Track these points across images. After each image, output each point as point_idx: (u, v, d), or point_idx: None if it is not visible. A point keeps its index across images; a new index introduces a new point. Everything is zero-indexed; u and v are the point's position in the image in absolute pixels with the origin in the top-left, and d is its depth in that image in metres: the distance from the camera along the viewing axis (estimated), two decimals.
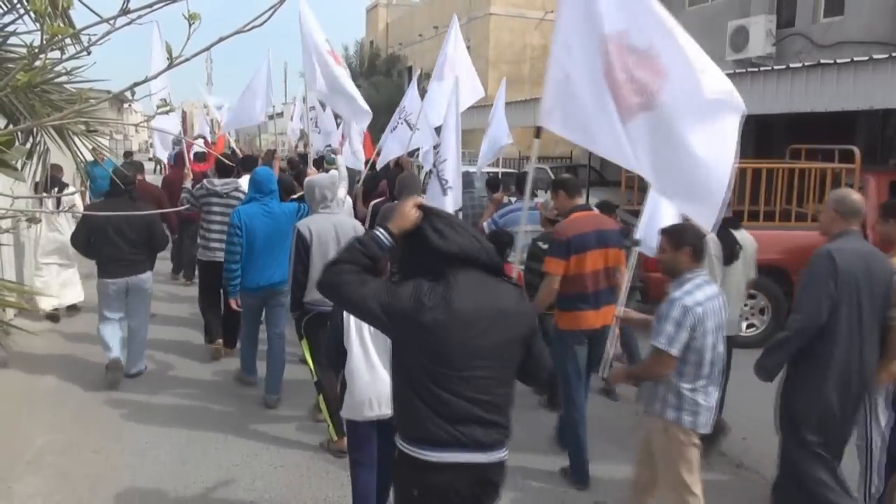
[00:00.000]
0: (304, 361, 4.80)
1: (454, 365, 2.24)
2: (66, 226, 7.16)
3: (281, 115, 30.49)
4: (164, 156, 9.69)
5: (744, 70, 9.79)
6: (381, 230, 2.36)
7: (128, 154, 15.68)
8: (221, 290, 6.03)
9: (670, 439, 3.21)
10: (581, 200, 4.50)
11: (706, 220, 3.17)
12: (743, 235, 4.71)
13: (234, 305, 5.46)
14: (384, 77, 28.17)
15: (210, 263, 6.17)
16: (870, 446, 3.66)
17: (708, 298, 3.16)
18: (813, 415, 3.43)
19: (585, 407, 4.36)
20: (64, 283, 7.50)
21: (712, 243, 4.30)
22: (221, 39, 1.74)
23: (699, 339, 3.09)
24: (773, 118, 10.54)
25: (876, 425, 3.63)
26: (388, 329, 2.37)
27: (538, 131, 3.74)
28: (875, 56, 7.79)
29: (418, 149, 8.48)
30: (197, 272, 7.14)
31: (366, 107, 7.33)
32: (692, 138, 3.08)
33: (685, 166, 3.13)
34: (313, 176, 5.37)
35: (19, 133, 2.98)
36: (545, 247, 4.68)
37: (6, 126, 3.02)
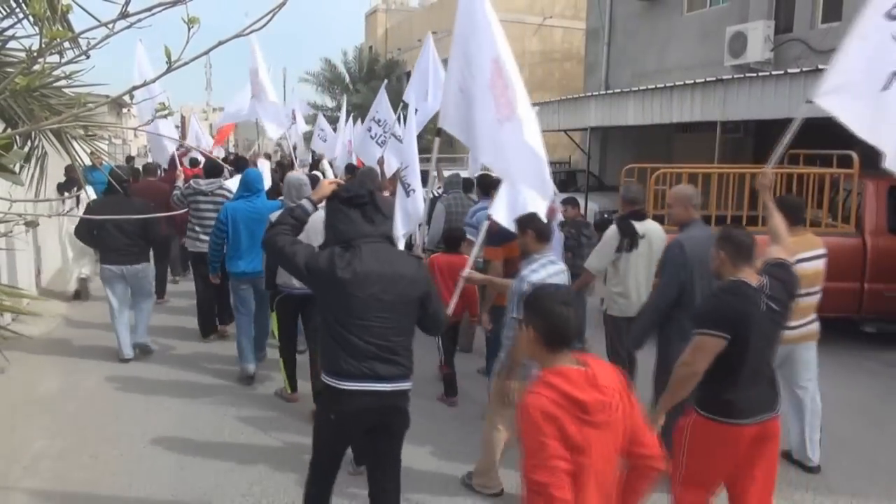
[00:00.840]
0: (274, 335, 5.55)
1: (357, 314, 2.88)
2: None
3: None
4: (162, 158, 9.82)
5: (742, 75, 9.81)
6: (305, 200, 3.11)
7: (129, 159, 15.76)
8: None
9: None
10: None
11: (542, 206, 3.95)
12: (650, 227, 4.97)
13: (213, 280, 6.36)
14: (383, 82, 28.25)
15: (200, 254, 6.92)
16: None
17: (550, 275, 3.75)
18: None
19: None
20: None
21: (612, 233, 4.96)
22: (221, 43, 1.73)
23: None
24: (771, 123, 10.56)
25: None
26: (309, 283, 3.06)
27: (439, 132, 4.41)
28: None
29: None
30: (190, 264, 7.90)
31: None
32: (534, 145, 3.93)
33: (531, 166, 3.95)
34: (289, 174, 6.00)
35: (18, 137, 2.98)
36: None
37: (4, 130, 3.02)
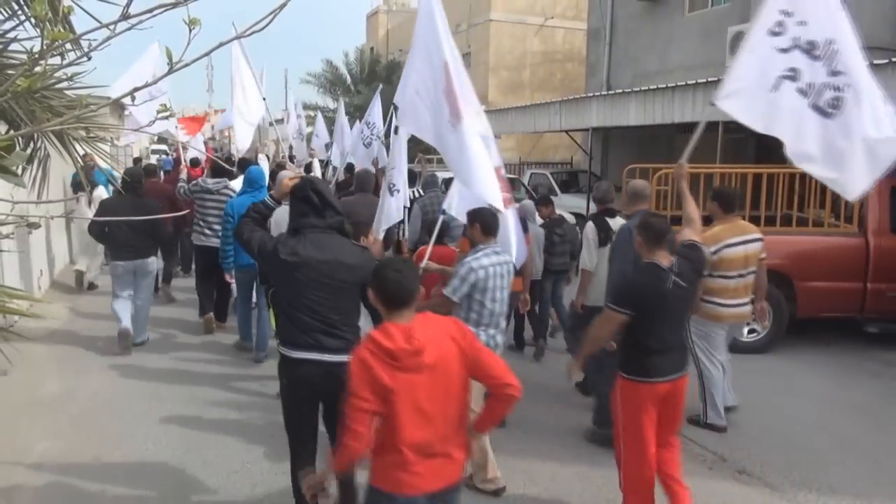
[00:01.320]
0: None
1: (300, 293, 3.30)
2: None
3: (281, 121, 30.56)
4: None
5: None
6: (268, 196, 3.67)
7: (136, 160, 15.92)
8: (213, 271, 7.17)
9: None
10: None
11: (495, 200, 4.16)
12: (619, 223, 5.22)
13: (228, 279, 6.76)
14: (384, 83, 28.24)
15: (204, 248, 7.44)
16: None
17: (492, 264, 4.03)
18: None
19: None
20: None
21: (590, 229, 5.35)
22: (222, 44, 1.74)
23: (480, 293, 3.97)
24: None
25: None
26: (262, 264, 3.80)
27: (397, 129, 4.85)
28: (875, 61, 7.79)
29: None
30: (193, 256, 8.37)
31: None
32: (476, 153, 4.16)
33: (480, 164, 4.17)
34: (279, 172, 6.60)
35: (20, 138, 2.98)
36: None
37: (7, 132, 3.02)
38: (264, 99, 9.73)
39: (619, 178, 8.16)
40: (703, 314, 4.96)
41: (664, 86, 11.07)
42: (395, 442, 2.44)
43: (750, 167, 8.39)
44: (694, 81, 10.45)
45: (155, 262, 7.06)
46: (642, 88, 11.84)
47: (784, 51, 4.11)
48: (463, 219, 4.53)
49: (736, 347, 7.00)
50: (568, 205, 13.79)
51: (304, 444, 3.47)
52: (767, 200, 7.62)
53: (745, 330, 7.01)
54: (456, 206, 5.04)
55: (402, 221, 6.51)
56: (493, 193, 4.16)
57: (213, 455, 4.62)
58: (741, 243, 4.96)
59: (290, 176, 3.64)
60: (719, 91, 4.25)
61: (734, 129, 11.34)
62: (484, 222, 4.14)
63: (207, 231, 7.40)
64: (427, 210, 6.91)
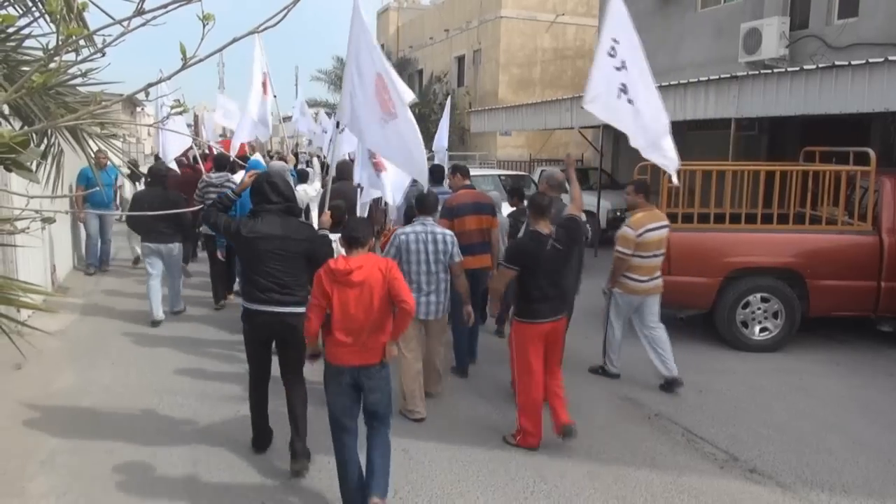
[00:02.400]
0: None
1: (257, 261, 4.27)
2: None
3: (290, 118, 30.64)
4: (171, 156, 10.77)
5: (757, 72, 9.72)
6: (229, 189, 5.06)
7: (157, 158, 16.25)
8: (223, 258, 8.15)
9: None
10: (469, 182, 6.76)
11: (423, 177, 5.44)
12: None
13: (219, 255, 8.07)
14: None
15: (211, 236, 8.19)
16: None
17: (415, 232, 5.18)
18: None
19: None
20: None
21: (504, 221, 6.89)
22: (235, 40, 1.74)
23: (405, 254, 5.14)
24: (785, 120, 10.46)
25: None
26: (228, 240, 4.89)
27: (339, 124, 5.71)
28: (890, 57, 7.72)
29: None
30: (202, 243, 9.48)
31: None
32: (410, 139, 5.13)
33: (413, 154, 5.17)
34: (273, 163, 7.77)
35: (34, 134, 3.00)
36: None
37: (21, 128, 3.04)
38: (275, 96, 9.80)
39: (630, 176, 8.12)
40: (623, 288, 5.90)
41: (676, 82, 10.99)
42: (333, 330, 3.70)
43: (762, 164, 8.33)
44: (706, 78, 10.37)
45: (179, 247, 7.89)
46: (654, 85, 11.78)
47: (617, 69, 5.39)
48: (398, 203, 6.60)
49: (748, 346, 6.99)
50: None
51: (259, 371, 4.53)
52: (780, 198, 7.56)
53: (758, 329, 6.98)
54: (391, 193, 6.55)
55: (387, 210, 7.57)
56: (424, 174, 5.37)
57: (223, 449, 4.64)
58: (657, 228, 5.80)
59: (249, 174, 4.61)
60: (585, 95, 5.44)
61: (747, 127, 11.28)
62: (420, 202, 5.38)
63: None
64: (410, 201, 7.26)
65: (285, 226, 4.30)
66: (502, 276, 4.76)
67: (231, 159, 9.42)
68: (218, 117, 15.15)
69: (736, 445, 4.83)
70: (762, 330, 7.01)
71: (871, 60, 7.96)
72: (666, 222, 5.94)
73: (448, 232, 5.32)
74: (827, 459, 4.66)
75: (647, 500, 4.10)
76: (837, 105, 8.32)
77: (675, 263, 6.70)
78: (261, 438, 4.61)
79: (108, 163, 10.08)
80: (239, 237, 4.28)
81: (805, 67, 8.84)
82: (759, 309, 6.97)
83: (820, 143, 8.27)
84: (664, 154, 5.54)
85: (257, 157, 12.05)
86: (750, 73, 9.83)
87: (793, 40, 11.75)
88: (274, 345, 4.48)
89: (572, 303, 5.76)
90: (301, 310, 4.17)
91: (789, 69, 9.18)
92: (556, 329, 4.72)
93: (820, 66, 8.63)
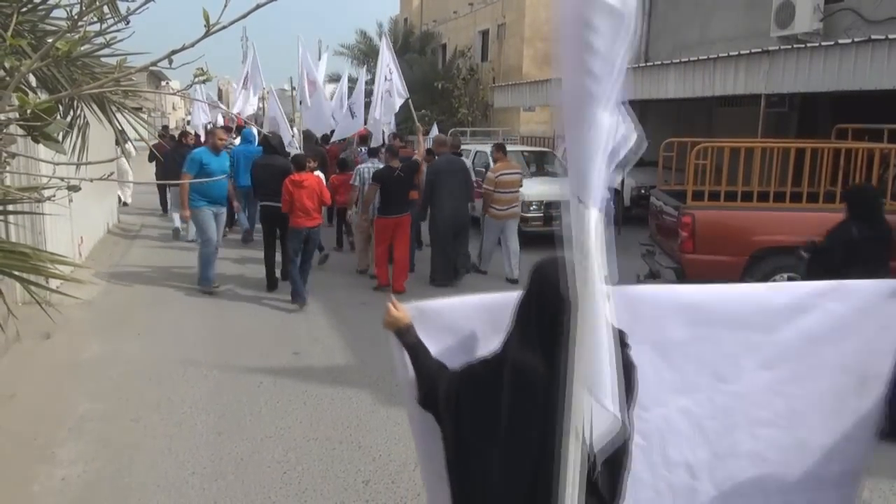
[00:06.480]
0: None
1: (266, 180, 8.08)
2: None
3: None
4: (200, 123, 12.39)
5: (789, 46, 9.46)
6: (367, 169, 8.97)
7: (164, 128, 16.44)
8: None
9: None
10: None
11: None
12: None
13: (235, 207, 10.63)
14: (418, 55, 27.94)
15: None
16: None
17: (366, 168, 8.61)
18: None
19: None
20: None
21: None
22: (259, 6, 1.72)
23: (362, 182, 8.59)
24: (816, 97, 10.19)
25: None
26: (254, 175, 8.83)
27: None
28: None
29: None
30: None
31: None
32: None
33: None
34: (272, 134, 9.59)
35: (60, 105, 3.01)
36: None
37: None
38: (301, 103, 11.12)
39: (656, 153, 7.99)
40: (491, 215, 8.76)
41: (705, 57, 10.76)
42: (295, 209, 7.32)
43: (792, 141, 8.15)
44: (737, 53, 10.13)
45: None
46: (682, 60, 11.54)
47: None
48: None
49: None
50: None
51: (271, 241, 8.13)
52: (810, 176, 7.39)
53: None
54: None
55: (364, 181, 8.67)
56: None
57: (247, 420, 4.72)
58: (511, 173, 8.77)
59: (220, 135, 8.13)
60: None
61: (777, 103, 11.01)
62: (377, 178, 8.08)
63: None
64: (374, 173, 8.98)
65: (277, 160, 8.38)
66: (371, 190, 8.04)
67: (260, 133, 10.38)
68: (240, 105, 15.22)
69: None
70: None
71: None
72: (518, 169, 9.15)
73: (369, 166, 8.65)
74: None
75: None
76: (873, 81, 8.08)
77: (700, 241, 6.60)
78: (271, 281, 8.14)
79: (227, 143, 9.27)
80: (255, 168, 8.58)
81: (840, 42, 8.59)
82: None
83: (852, 120, 8.05)
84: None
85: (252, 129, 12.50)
86: (782, 47, 9.58)
87: (827, 14, 11.38)
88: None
89: (462, 214, 8.53)
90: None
91: (823, 43, 8.92)
92: (402, 221, 8.04)
93: (856, 40, 8.37)
